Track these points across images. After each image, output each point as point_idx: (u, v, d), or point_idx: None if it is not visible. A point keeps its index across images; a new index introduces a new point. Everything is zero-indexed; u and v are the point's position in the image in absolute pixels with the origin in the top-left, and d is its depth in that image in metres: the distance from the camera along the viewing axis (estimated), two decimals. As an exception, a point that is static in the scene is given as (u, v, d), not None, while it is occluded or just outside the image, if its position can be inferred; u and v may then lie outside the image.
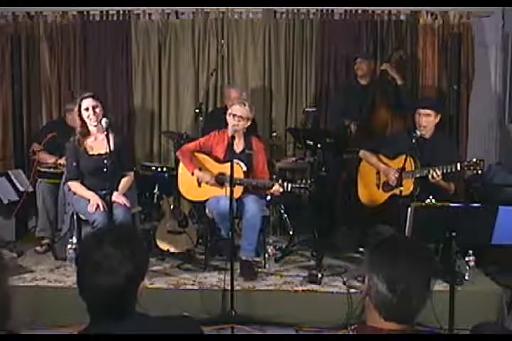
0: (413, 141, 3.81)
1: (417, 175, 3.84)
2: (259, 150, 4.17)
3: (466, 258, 3.87)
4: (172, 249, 4.19)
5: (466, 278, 3.77)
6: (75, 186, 3.90)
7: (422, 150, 3.94)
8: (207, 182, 4.06)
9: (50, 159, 4.57)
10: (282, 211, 4.89)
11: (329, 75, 5.42)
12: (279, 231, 4.99)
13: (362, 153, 4.25)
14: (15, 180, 4.82)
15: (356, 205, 4.32)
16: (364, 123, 4.82)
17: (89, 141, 3.88)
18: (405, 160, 3.75)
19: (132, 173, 4.08)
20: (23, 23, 5.46)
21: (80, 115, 3.85)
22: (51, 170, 4.53)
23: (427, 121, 3.96)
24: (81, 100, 3.83)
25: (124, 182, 3.97)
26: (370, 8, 5.30)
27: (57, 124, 4.88)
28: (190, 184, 4.13)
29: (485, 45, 5.42)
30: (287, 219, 4.85)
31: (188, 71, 5.49)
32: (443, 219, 2.80)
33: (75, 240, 3.98)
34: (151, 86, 5.53)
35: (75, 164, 3.88)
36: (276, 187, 3.89)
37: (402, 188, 3.73)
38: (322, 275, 3.80)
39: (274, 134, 5.23)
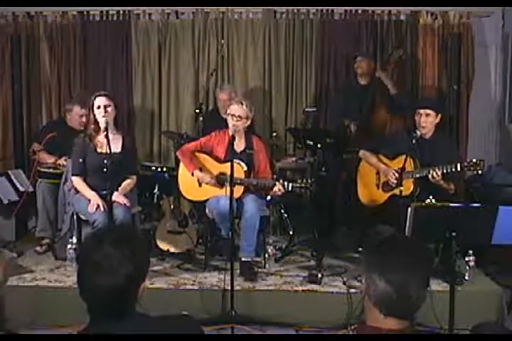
0: (413, 141, 3.81)
1: (417, 175, 3.84)
2: (260, 150, 4.16)
3: (466, 258, 3.87)
4: (172, 249, 4.19)
5: (466, 278, 3.77)
6: (78, 182, 3.90)
7: (422, 151, 3.93)
8: (207, 183, 4.06)
9: (50, 159, 4.57)
10: (282, 211, 4.89)
11: (329, 75, 5.41)
12: (279, 231, 5.00)
13: (362, 153, 4.25)
14: (15, 180, 4.82)
15: (356, 205, 4.32)
16: (364, 123, 4.81)
17: (99, 138, 3.89)
18: (405, 160, 3.74)
19: (135, 177, 4.08)
20: (23, 23, 5.45)
21: (92, 112, 3.86)
22: (51, 170, 4.53)
23: (427, 121, 3.95)
24: (94, 98, 3.87)
25: (126, 184, 3.97)
26: (370, 8, 5.30)
27: (57, 124, 4.88)
28: (191, 184, 4.13)
29: (485, 45, 5.41)
30: (287, 219, 4.85)
31: (188, 71, 5.48)
32: (443, 219, 2.80)
33: (75, 240, 3.98)
34: (151, 86, 5.53)
35: (81, 160, 3.89)
36: (278, 187, 3.89)
37: (402, 188, 3.73)
38: (322, 275, 3.80)
39: (274, 134, 5.23)
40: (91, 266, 1.52)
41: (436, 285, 3.56)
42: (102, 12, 5.42)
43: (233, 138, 3.79)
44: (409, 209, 2.84)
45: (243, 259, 3.92)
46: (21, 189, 4.76)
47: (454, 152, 4.12)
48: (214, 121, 4.75)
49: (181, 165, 4.18)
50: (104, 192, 3.78)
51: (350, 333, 1.59)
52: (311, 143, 4.33)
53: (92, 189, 3.86)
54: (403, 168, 3.78)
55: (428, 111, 3.96)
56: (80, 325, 1.60)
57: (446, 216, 2.81)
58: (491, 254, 4.06)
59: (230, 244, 3.55)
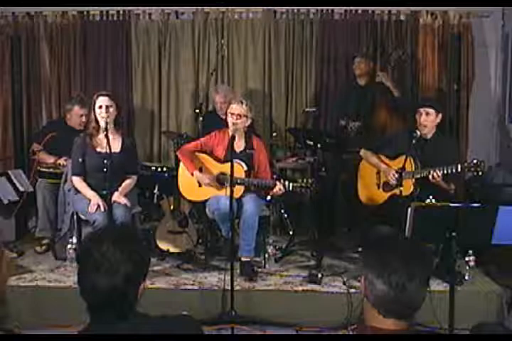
0: (413, 141, 3.81)
1: (417, 176, 3.84)
2: (260, 150, 4.16)
3: (466, 258, 3.87)
4: (172, 249, 4.19)
5: (466, 278, 3.77)
6: (78, 182, 3.90)
7: (422, 151, 3.93)
8: (206, 184, 4.06)
9: (50, 159, 4.57)
10: (282, 211, 4.89)
11: (329, 75, 5.41)
12: (279, 231, 4.99)
13: (363, 152, 4.24)
14: (15, 180, 4.81)
15: (356, 205, 4.32)
16: (364, 123, 4.82)
17: (99, 138, 3.89)
18: (405, 160, 3.75)
19: (135, 177, 4.08)
20: (23, 23, 5.46)
21: (94, 111, 3.86)
22: (51, 170, 4.52)
23: (428, 120, 3.94)
24: (97, 97, 3.87)
25: (126, 184, 3.97)
26: (370, 8, 5.30)
27: (57, 124, 4.88)
28: (191, 184, 4.13)
29: (485, 45, 5.41)
30: (287, 219, 4.85)
31: (188, 71, 5.49)
32: (443, 219, 2.80)
33: (75, 240, 3.98)
34: (151, 86, 5.53)
35: (81, 160, 3.89)
36: (279, 187, 3.89)
37: (402, 188, 3.73)
38: (322, 275, 3.80)
39: (274, 134, 5.23)
40: (91, 265, 1.52)
41: (436, 285, 3.56)
42: (102, 12, 5.42)
43: (233, 138, 3.79)
44: (409, 209, 2.84)
45: (243, 259, 3.92)
46: (21, 189, 4.75)
47: (454, 152, 4.11)
48: (214, 121, 4.75)
49: (181, 165, 4.18)
50: (104, 192, 3.77)
51: (350, 333, 1.59)
52: (311, 143, 4.33)
53: (92, 189, 3.86)
54: (403, 168, 3.78)
55: (428, 109, 3.95)
56: (80, 324, 1.60)
57: (446, 216, 2.80)
58: (491, 254, 4.06)
59: (230, 244, 3.55)
